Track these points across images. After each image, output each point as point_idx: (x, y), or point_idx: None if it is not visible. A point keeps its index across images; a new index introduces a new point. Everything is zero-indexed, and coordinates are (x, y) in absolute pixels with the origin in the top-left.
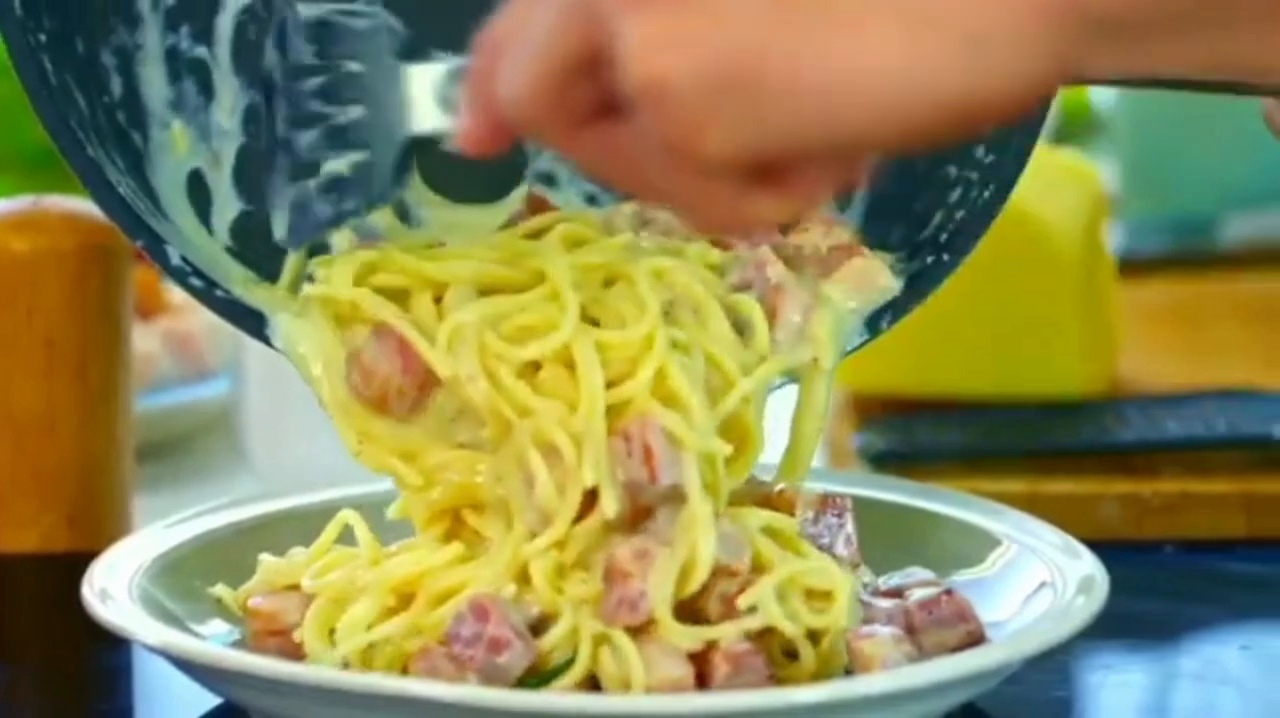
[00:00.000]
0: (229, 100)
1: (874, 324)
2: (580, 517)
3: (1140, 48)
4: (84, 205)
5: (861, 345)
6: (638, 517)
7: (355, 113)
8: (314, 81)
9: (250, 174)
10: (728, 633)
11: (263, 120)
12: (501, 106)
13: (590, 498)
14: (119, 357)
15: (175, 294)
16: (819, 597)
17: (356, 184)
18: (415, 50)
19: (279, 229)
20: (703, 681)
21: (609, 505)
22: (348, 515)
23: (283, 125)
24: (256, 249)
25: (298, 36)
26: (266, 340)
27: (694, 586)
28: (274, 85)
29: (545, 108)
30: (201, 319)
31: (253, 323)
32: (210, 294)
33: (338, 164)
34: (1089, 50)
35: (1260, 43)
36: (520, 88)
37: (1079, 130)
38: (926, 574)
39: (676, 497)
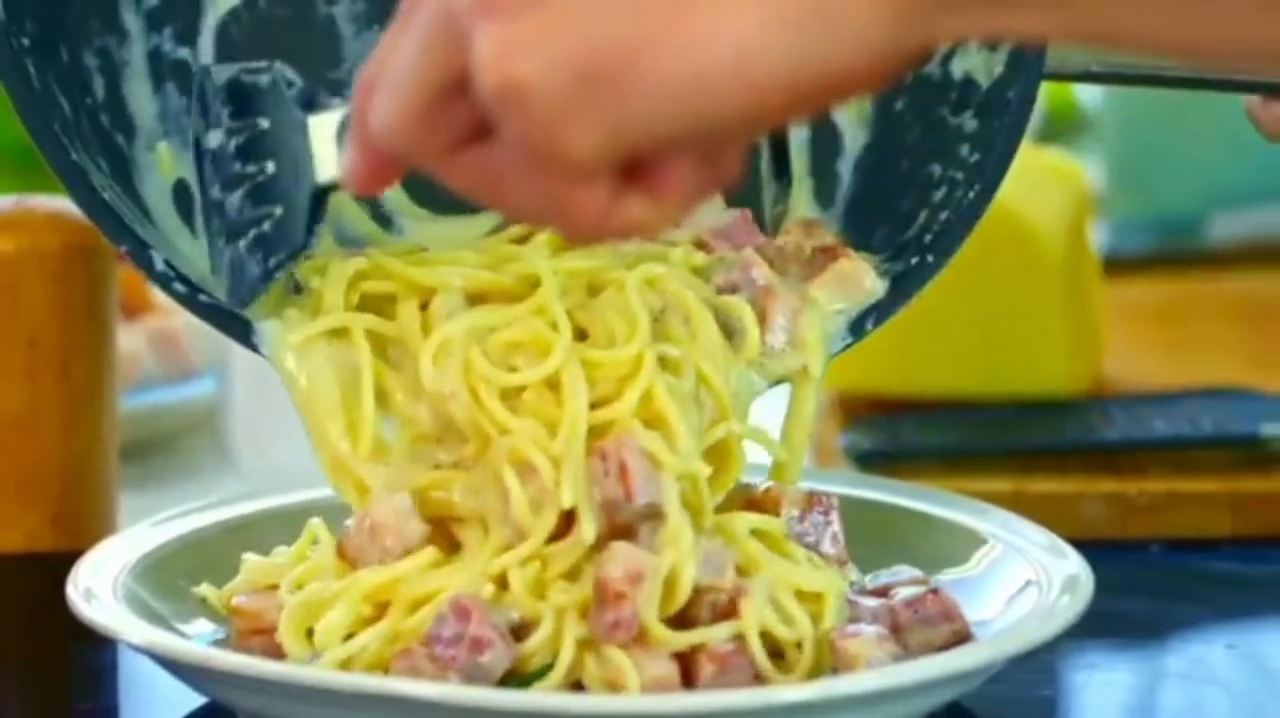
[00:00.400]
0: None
1: (858, 326)
2: (559, 535)
3: (992, 12)
4: (68, 205)
5: (846, 348)
6: (616, 534)
7: (270, 169)
8: (233, 142)
9: None
10: (718, 635)
11: (197, 186)
12: (377, 139)
13: (569, 517)
14: (103, 356)
15: (160, 294)
16: (809, 598)
17: (277, 239)
18: (313, 100)
19: (220, 292)
20: (689, 680)
21: (587, 529)
22: (316, 527)
23: (214, 189)
24: None
25: (215, 101)
26: (251, 345)
27: (678, 603)
28: (202, 150)
29: (418, 135)
30: (186, 319)
31: (237, 327)
32: (194, 299)
33: (261, 221)
34: (937, 16)
35: (1133, 8)
36: (391, 118)
37: (1064, 129)
38: (913, 572)
39: (655, 515)
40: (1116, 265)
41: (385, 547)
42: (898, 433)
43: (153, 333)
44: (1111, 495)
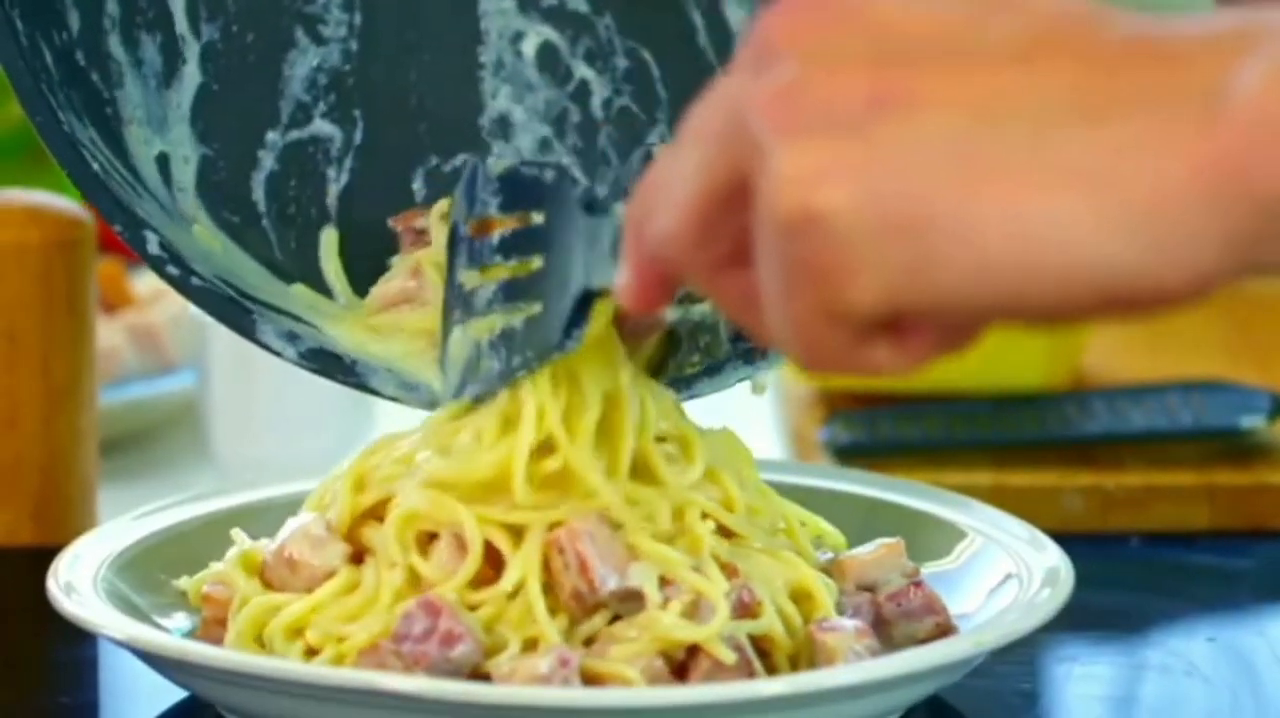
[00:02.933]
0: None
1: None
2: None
3: None
4: (47, 198)
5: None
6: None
7: (536, 264)
8: (499, 236)
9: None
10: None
11: (445, 272)
12: (651, 246)
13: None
14: (82, 350)
15: (139, 287)
16: (801, 596)
17: (526, 338)
18: (594, 202)
19: (445, 384)
20: (681, 675)
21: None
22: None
23: (461, 277)
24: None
25: (485, 190)
26: (246, 332)
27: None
28: (458, 237)
29: (693, 247)
30: (165, 313)
31: (234, 315)
32: (187, 283)
33: (511, 317)
34: (1263, 237)
35: None
36: (668, 227)
37: None
38: (905, 565)
39: (632, 597)
40: None
41: (305, 577)
42: (877, 426)
43: (132, 327)
44: (1091, 488)
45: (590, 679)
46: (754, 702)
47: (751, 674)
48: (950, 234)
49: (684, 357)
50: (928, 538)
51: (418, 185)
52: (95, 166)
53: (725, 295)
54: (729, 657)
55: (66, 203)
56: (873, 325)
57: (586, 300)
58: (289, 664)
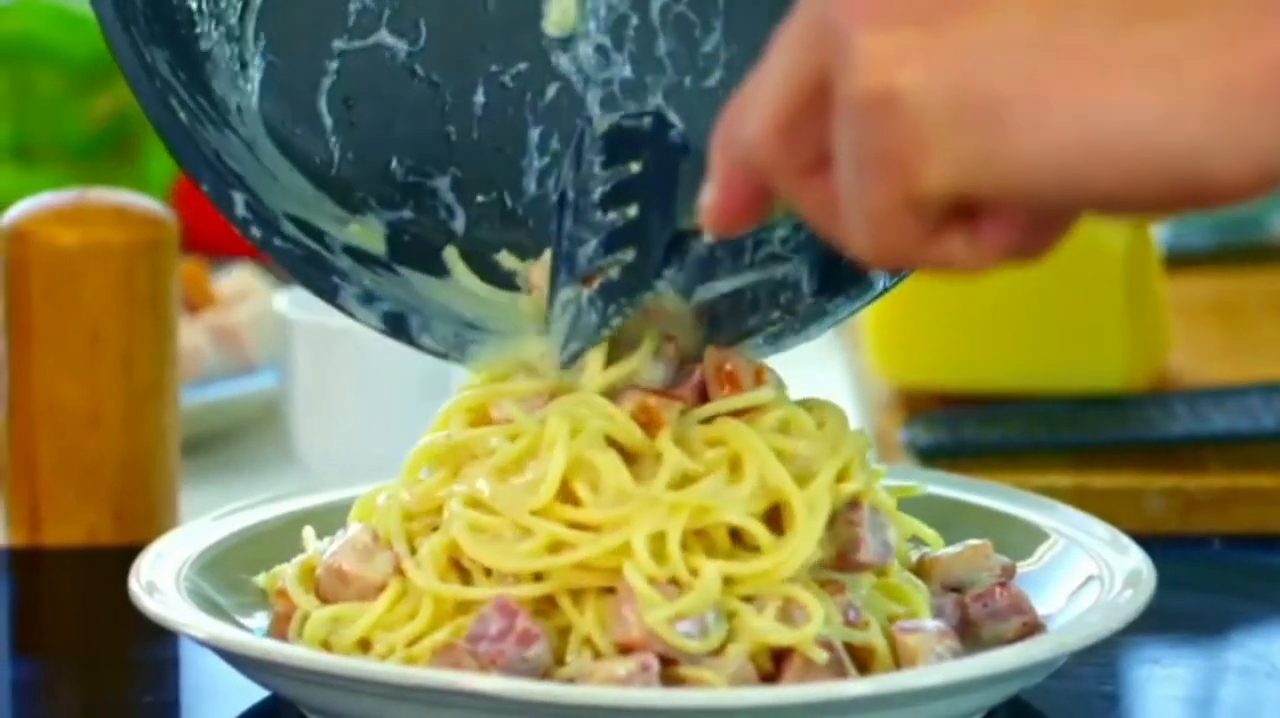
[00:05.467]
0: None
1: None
2: None
3: None
4: (130, 198)
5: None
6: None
7: (633, 212)
8: (600, 191)
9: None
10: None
11: (553, 238)
12: (739, 154)
13: None
14: (165, 350)
15: (221, 288)
16: (903, 598)
17: (622, 285)
18: (687, 144)
19: (556, 346)
20: (775, 675)
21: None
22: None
23: (566, 241)
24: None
25: (592, 151)
26: (327, 295)
27: None
28: (565, 201)
29: (779, 151)
30: (247, 313)
31: (312, 272)
32: (270, 243)
33: (610, 269)
34: None
35: None
36: (756, 132)
37: None
38: (1001, 560)
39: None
40: (1178, 261)
41: (357, 589)
42: (959, 428)
43: (214, 327)
44: (1172, 490)
45: (671, 684)
46: (837, 702)
47: (844, 676)
48: (1023, 119)
49: (764, 315)
50: (1010, 540)
51: (479, 97)
52: (183, 116)
53: (809, 201)
54: (821, 656)
55: (150, 203)
56: (946, 214)
57: (679, 240)
58: (372, 665)
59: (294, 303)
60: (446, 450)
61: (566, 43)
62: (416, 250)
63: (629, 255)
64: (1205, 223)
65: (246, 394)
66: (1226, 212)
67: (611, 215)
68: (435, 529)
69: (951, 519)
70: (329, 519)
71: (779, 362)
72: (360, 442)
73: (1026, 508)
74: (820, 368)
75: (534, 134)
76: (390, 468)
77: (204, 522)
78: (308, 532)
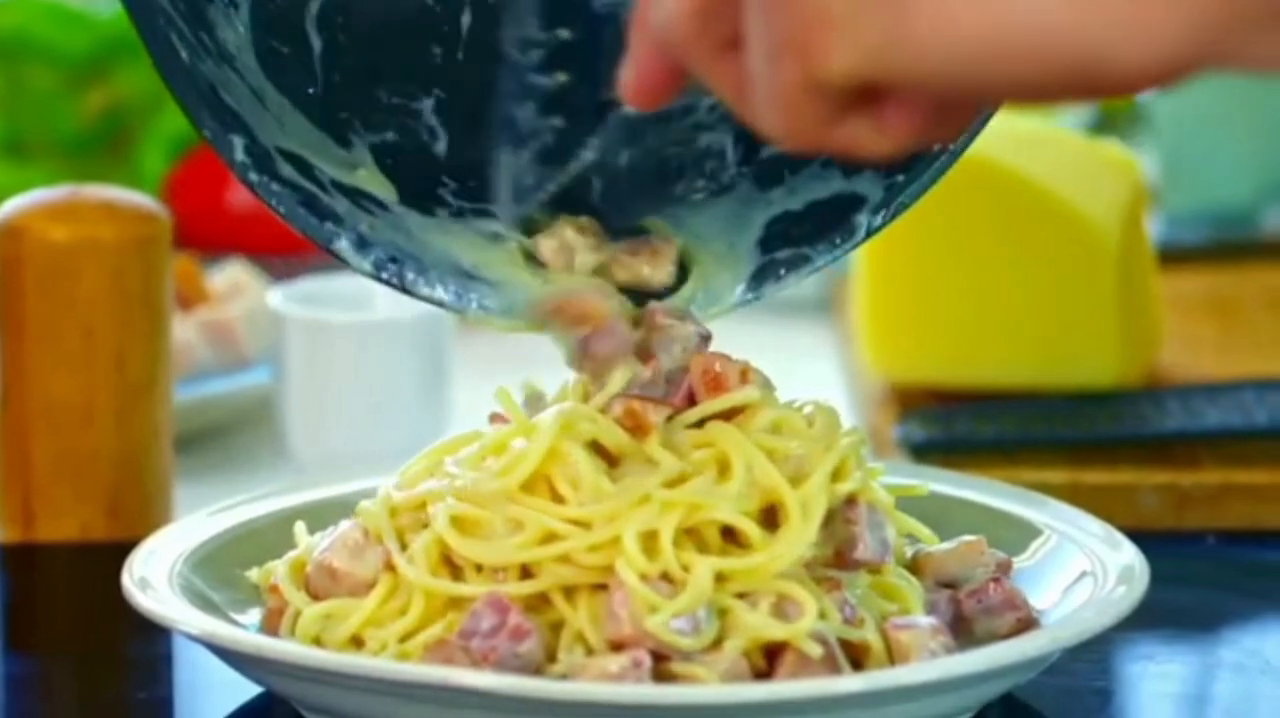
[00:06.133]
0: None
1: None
2: None
3: None
4: (123, 194)
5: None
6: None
7: (561, 79)
8: (535, 54)
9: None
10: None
11: (492, 101)
12: (654, 33)
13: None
14: (158, 346)
15: (214, 284)
16: (896, 596)
17: (555, 151)
18: (614, 16)
19: (500, 207)
20: (768, 672)
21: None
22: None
23: (508, 101)
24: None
25: (530, 12)
26: (323, 241)
27: None
28: (504, 61)
29: (692, 30)
30: (240, 309)
31: (308, 218)
32: (268, 189)
33: (543, 133)
34: (1249, 38)
35: None
36: (671, 9)
37: (1118, 121)
38: (997, 556)
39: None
40: (1171, 257)
41: (348, 586)
42: (953, 424)
43: (207, 324)
44: (1166, 487)
45: (663, 681)
46: (831, 698)
47: (838, 672)
48: (927, 10)
49: (689, 182)
50: (1003, 536)
51: (466, 18)
52: (184, 53)
53: (721, 81)
54: (815, 650)
55: (143, 199)
56: (851, 99)
57: (602, 109)
58: (365, 660)
59: (287, 299)
60: (442, 449)
61: None
62: (406, 176)
63: (558, 121)
64: (1199, 219)
65: (239, 390)
66: (1219, 208)
67: (544, 80)
68: (425, 526)
69: (945, 515)
70: (322, 515)
71: (773, 361)
72: (353, 438)
73: (1020, 504)
74: (814, 364)
75: (514, 54)
76: (381, 464)
77: (197, 518)
78: (299, 527)
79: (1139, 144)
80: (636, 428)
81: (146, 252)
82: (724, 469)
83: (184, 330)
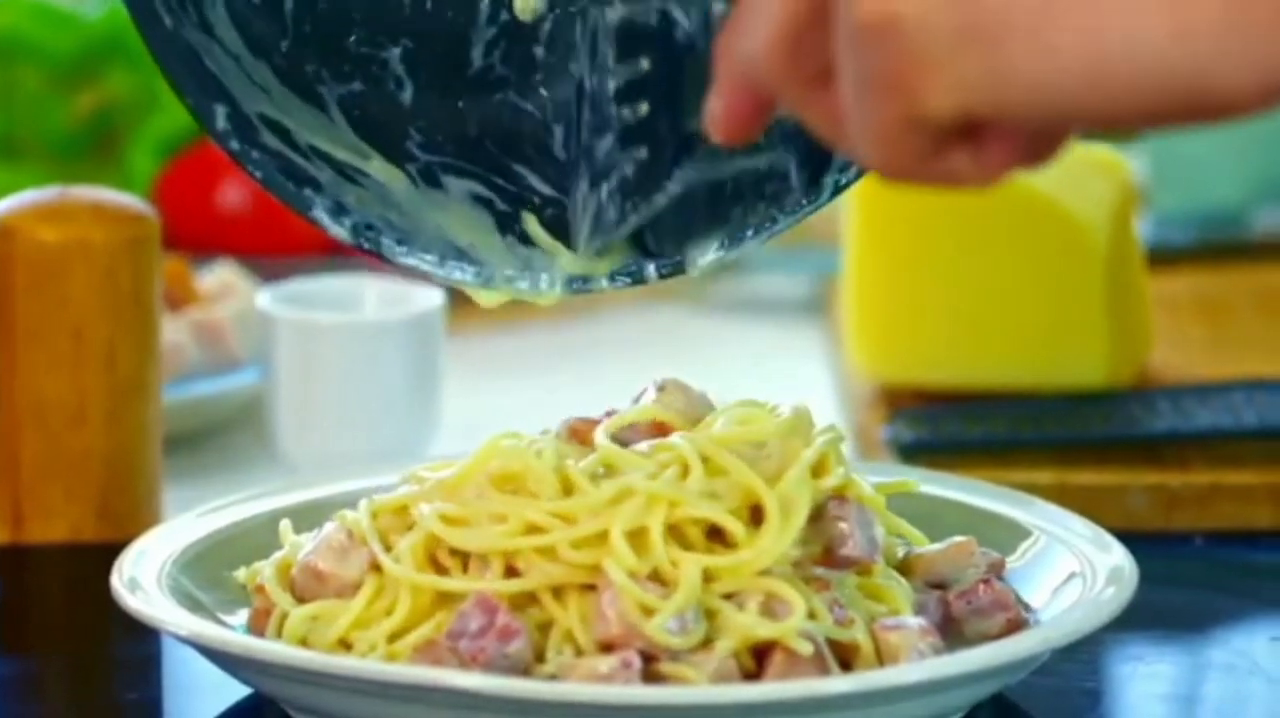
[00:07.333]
0: None
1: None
2: None
3: None
4: (113, 195)
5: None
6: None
7: (644, 110)
8: (613, 84)
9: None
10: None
11: (571, 130)
12: (742, 67)
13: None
14: (148, 347)
15: (204, 285)
16: (885, 597)
17: (637, 183)
18: (694, 46)
19: (580, 240)
20: (758, 671)
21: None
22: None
23: (585, 132)
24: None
25: (605, 41)
26: (301, 208)
27: None
28: (584, 93)
29: (782, 64)
30: (229, 310)
31: (287, 186)
32: (248, 157)
33: (625, 165)
34: None
35: None
36: (757, 45)
37: None
38: (989, 556)
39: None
40: (1160, 258)
41: (334, 587)
42: (941, 425)
43: (196, 324)
44: (1155, 487)
45: (652, 681)
46: (820, 699)
47: (826, 672)
48: (1025, 45)
49: (749, 207)
50: (992, 537)
51: None
52: (168, 20)
53: (814, 113)
54: (805, 647)
55: (133, 200)
56: (950, 133)
57: (688, 141)
58: (353, 661)
59: (276, 299)
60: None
61: None
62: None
63: (642, 153)
64: (1188, 220)
65: (228, 391)
66: (1209, 209)
67: (624, 111)
68: (410, 528)
69: (933, 516)
70: (312, 517)
71: (762, 362)
72: (343, 439)
73: (1009, 505)
74: (802, 364)
75: (484, 4)
76: (371, 465)
77: (186, 519)
78: (284, 526)
79: (1128, 145)
80: (584, 443)
81: (136, 252)
82: (686, 470)
83: (173, 331)
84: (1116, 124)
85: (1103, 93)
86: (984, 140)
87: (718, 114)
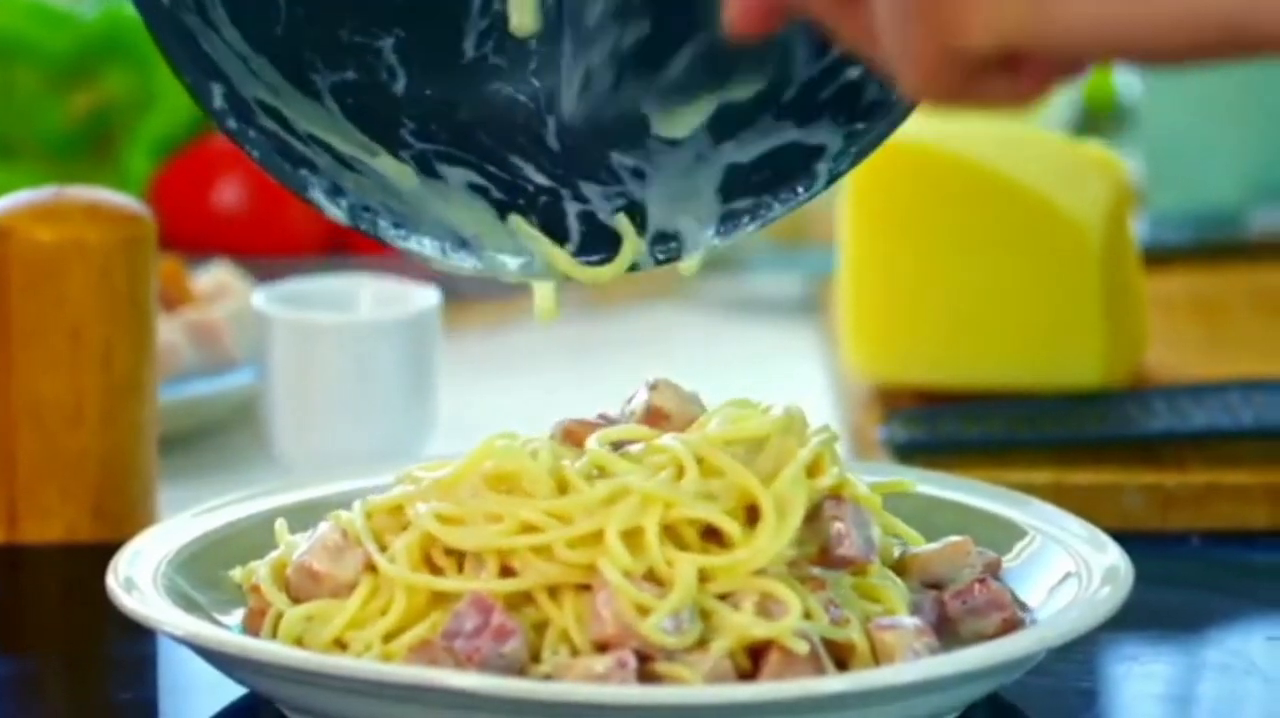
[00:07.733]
0: None
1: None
2: None
3: None
4: (109, 195)
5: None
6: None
7: None
8: None
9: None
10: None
11: None
12: None
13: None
14: (144, 347)
15: (199, 285)
16: (880, 597)
17: (634, 58)
18: None
19: (567, 105)
20: (754, 670)
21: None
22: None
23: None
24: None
25: None
26: (298, 188)
27: None
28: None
29: None
30: (225, 310)
31: (283, 166)
32: (245, 136)
33: (621, 37)
34: None
35: None
36: None
37: (1103, 121)
38: (985, 556)
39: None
40: (1156, 257)
41: (329, 587)
42: (937, 425)
43: (191, 325)
44: (1151, 487)
45: (648, 681)
46: (815, 699)
47: (822, 671)
48: None
49: (788, 181)
50: (988, 536)
51: None
52: (166, 0)
53: (848, 28)
54: (801, 646)
55: (128, 200)
56: (988, 62)
57: (697, 35)
58: (349, 661)
59: (272, 299)
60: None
61: None
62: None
63: (645, 27)
64: (1184, 219)
65: (224, 391)
66: (1204, 208)
67: None
68: (404, 528)
69: (929, 516)
70: (308, 516)
71: (758, 362)
72: (339, 439)
73: (1005, 505)
74: (798, 365)
75: None
76: (366, 464)
77: (182, 519)
78: (280, 525)
79: (1123, 144)
80: (579, 445)
81: (132, 253)
82: (681, 471)
83: (169, 331)
84: (1156, 59)
85: (1144, 30)
86: (1022, 69)
87: (738, 11)
